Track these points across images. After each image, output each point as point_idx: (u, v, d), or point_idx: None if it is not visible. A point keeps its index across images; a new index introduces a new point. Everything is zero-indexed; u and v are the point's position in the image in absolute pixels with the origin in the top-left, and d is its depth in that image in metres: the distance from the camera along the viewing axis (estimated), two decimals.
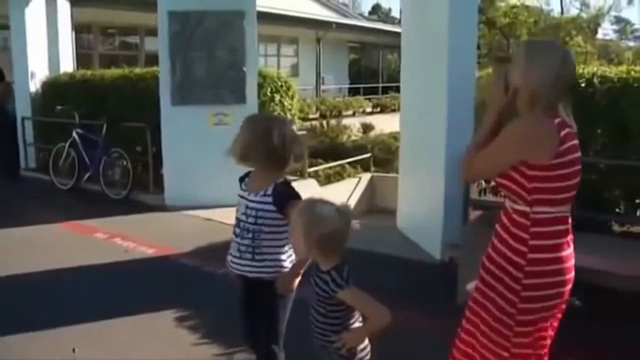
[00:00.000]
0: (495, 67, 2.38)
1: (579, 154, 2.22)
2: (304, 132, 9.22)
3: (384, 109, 24.01)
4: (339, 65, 26.87)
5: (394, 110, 24.00)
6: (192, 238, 6.19)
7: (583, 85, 4.92)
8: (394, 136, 13.99)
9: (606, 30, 30.10)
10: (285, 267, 2.80)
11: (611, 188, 5.16)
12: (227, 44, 7.34)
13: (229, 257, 2.91)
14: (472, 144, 2.39)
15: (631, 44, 25.38)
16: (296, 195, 2.69)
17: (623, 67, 5.17)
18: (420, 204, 6.15)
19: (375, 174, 11.33)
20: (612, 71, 5.02)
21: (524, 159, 2.17)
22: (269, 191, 2.71)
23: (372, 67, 30.85)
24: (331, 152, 12.09)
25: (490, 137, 2.28)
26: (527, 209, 2.23)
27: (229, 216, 7.23)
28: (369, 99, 24.46)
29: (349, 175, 10.90)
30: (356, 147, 13.13)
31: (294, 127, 2.97)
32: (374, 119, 19.12)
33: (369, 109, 23.60)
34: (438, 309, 4.54)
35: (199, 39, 7.31)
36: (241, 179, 2.91)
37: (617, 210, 5.25)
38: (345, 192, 10.33)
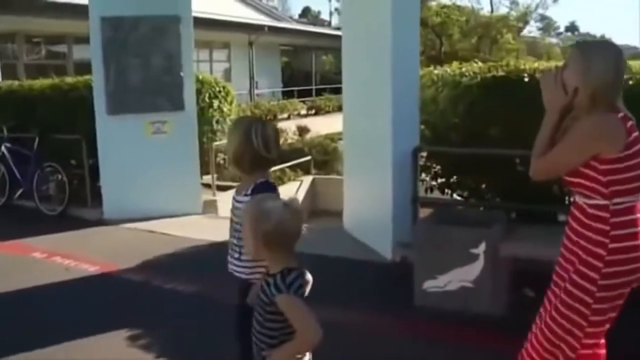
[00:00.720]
0: (546, 72, 2.48)
1: None
2: None
3: (318, 111, 24.05)
4: (271, 69, 26.78)
5: (328, 112, 24.15)
6: (136, 252, 5.97)
7: (526, 79, 5.00)
8: (331, 138, 14.01)
9: (531, 28, 31.39)
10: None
11: (558, 180, 5.25)
12: (162, 49, 7.14)
13: (228, 258, 2.93)
14: (539, 144, 2.47)
15: (554, 40, 26.50)
16: (275, 193, 2.68)
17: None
18: (367, 205, 6.12)
19: (317, 176, 11.26)
20: (553, 66, 5.12)
21: (597, 154, 2.29)
22: (249, 190, 2.75)
23: (305, 70, 30.87)
24: None
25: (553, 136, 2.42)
26: (606, 201, 2.33)
27: (172, 227, 7.19)
28: (304, 102, 24.47)
29: (290, 179, 10.78)
30: (293, 151, 12.99)
31: (274, 127, 2.93)
32: (309, 122, 19.11)
33: (303, 112, 23.61)
34: (396, 310, 4.53)
35: (134, 45, 7.08)
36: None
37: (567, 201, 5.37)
38: (288, 195, 10.19)
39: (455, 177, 5.98)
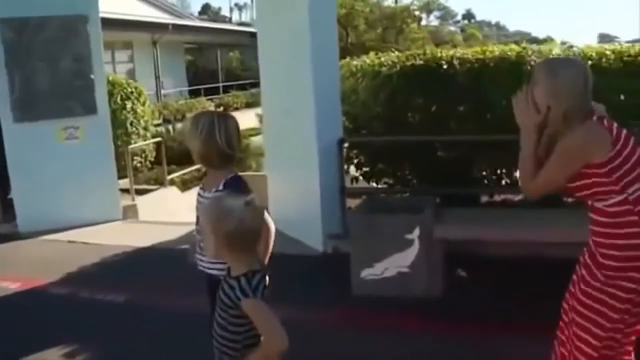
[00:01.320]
0: (517, 94, 2.50)
1: (624, 131, 2.42)
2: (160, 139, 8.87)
3: (227, 108, 23.75)
4: (176, 68, 26.19)
5: (237, 109, 23.92)
6: (58, 264, 5.69)
7: (445, 67, 5.14)
8: (242, 135, 13.83)
9: (430, 17, 32.38)
10: None
11: (477, 163, 5.46)
12: (71, 51, 6.83)
13: (197, 256, 2.87)
14: (527, 166, 2.49)
15: (452, 28, 27.51)
16: (246, 188, 2.65)
17: (477, 49, 5.48)
18: (294, 199, 6.11)
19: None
20: (468, 53, 5.30)
21: (589, 162, 2.35)
22: (220, 187, 2.72)
23: (210, 68, 30.39)
24: (181, 157, 11.61)
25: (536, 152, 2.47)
26: (623, 195, 2.37)
27: (92, 236, 6.91)
28: (211, 99, 24.13)
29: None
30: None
31: (235, 122, 2.84)
32: None
33: (211, 110, 23.23)
34: (335, 301, 4.56)
35: (39, 47, 6.72)
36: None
37: (486, 182, 5.58)
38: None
39: (379, 165, 6.08)
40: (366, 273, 4.62)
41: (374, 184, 6.18)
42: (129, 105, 8.29)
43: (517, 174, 2.70)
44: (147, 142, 9.03)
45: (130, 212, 7.59)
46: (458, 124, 5.32)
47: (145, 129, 8.98)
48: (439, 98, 5.25)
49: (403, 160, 5.78)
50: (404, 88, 5.41)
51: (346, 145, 5.92)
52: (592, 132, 2.36)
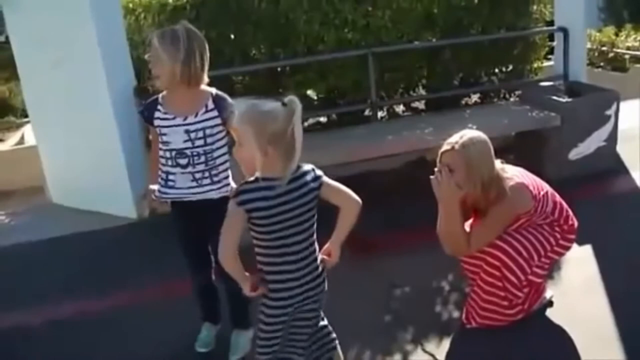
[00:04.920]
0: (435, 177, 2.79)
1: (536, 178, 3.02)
2: None
3: None
4: None
5: None
6: None
7: None
8: None
9: None
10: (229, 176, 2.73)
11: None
12: None
13: (177, 190, 2.68)
14: (456, 234, 2.85)
15: None
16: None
17: None
18: (85, 166, 5.17)
19: None
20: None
21: (526, 217, 2.89)
22: (210, 105, 2.58)
23: None
24: None
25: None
26: (563, 223, 3.02)
27: None
28: None
29: None
30: None
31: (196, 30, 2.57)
32: None
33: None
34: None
35: None
36: (147, 109, 2.67)
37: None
38: None
39: None
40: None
41: None
42: None
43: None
44: None
45: None
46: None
47: None
48: (237, 22, 4.83)
49: None
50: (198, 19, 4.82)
51: None
52: (519, 198, 2.79)
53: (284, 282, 2.17)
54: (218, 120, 2.60)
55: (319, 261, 2.24)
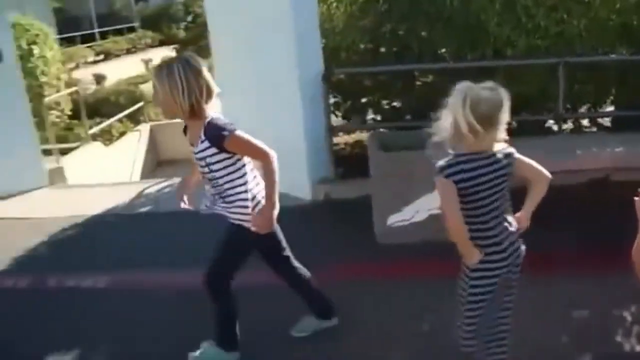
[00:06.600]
0: None
1: None
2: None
3: (108, 56, 22.00)
4: (42, 17, 23.71)
5: (118, 56, 22.17)
6: None
7: None
8: (133, 83, 12.63)
9: None
10: (247, 206, 2.72)
11: None
12: None
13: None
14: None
15: None
16: (228, 128, 2.57)
17: None
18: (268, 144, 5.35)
19: (154, 123, 10.06)
20: None
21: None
22: (202, 136, 2.61)
23: (82, 13, 27.73)
24: (95, 107, 10.25)
25: None
26: None
27: (22, 208, 5.74)
28: (90, 47, 22.12)
29: (121, 132, 9.41)
30: (100, 101, 11.32)
31: (196, 61, 2.61)
32: (101, 68, 17.19)
33: (91, 58, 21.34)
34: (360, 254, 4.03)
35: None
36: (185, 131, 2.80)
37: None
38: (130, 148, 9.04)
39: (362, 100, 5.52)
40: (394, 219, 4.11)
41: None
42: (36, 50, 7.04)
43: None
44: (62, 92, 7.77)
45: (57, 177, 6.52)
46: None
47: (58, 78, 7.74)
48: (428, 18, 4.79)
49: (396, 92, 5.24)
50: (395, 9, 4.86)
51: None
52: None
53: (491, 247, 2.34)
54: (213, 150, 2.61)
55: (514, 228, 2.41)
